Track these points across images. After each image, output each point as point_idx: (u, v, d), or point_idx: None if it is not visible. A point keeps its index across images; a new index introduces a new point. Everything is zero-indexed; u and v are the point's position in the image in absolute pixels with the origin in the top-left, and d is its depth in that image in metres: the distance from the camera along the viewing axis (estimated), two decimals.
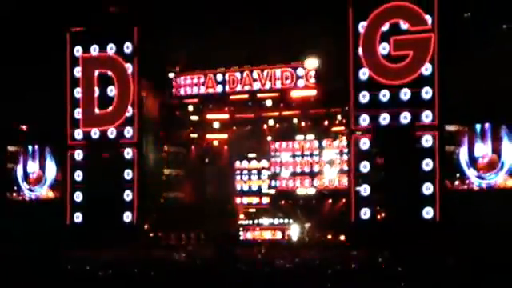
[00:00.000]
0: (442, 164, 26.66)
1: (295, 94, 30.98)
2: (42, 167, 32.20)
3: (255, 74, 30.95)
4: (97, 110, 30.80)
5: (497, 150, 26.58)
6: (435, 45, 26.57)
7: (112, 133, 30.65)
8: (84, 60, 31.01)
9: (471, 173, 26.79)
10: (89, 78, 30.87)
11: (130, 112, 30.44)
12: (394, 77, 27.13)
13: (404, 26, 27.01)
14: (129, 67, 30.56)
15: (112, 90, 30.60)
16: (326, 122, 33.62)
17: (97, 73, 30.78)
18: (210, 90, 31.56)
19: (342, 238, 29.85)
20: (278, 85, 30.77)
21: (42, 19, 30.83)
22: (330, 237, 31.07)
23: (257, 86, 30.93)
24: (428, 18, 26.68)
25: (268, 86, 30.89)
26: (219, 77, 31.42)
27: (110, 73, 30.53)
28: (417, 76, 26.80)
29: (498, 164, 26.53)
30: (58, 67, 31.07)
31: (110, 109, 30.63)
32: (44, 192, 32.10)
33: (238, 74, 31.25)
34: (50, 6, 30.68)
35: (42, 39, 30.62)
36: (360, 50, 27.56)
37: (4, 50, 31.19)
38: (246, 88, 31.15)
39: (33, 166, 32.29)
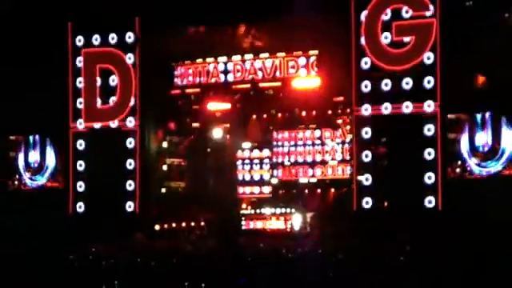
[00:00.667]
0: (444, 153, 26.69)
1: (297, 83, 30.89)
2: (43, 156, 32.27)
3: (259, 63, 30.84)
4: (99, 105, 30.88)
5: (497, 138, 26.60)
6: (437, 30, 26.58)
7: (114, 122, 30.72)
8: (85, 54, 31.04)
9: (472, 161, 26.80)
10: (90, 73, 30.93)
11: (132, 102, 30.52)
12: (396, 62, 27.14)
13: (406, 11, 26.99)
14: (130, 57, 30.62)
15: (114, 80, 30.66)
16: (329, 112, 33.59)
17: (98, 67, 30.86)
18: (213, 80, 31.47)
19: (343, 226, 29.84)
20: (283, 74, 30.66)
21: (43, 10, 30.84)
22: (331, 226, 31.06)
23: (261, 75, 30.84)
24: (431, 7, 26.70)
25: (272, 75, 30.78)
26: (222, 66, 31.33)
27: (111, 68, 30.64)
28: (419, 62, 26.80)
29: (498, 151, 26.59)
30: (60, 58, 31.11)
31: (112, 104, 30.69)
32: (45, 181, 32.18)
33: (241, 64, 31.14)
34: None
35: (43, 30, 30.64)
36: (362, 39, 27.58)
37: (5, 42, 31.22)
38: (250, 77, 31.00)
39: (34, 156, 32.36)
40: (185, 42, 31.32)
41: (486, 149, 26.72)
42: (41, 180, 32.32)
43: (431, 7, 26.66)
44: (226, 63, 31.24)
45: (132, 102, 30.52)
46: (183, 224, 32.84)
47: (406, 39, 27.02)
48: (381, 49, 27.33)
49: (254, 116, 35.37)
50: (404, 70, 27.06)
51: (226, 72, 31.23)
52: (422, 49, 26.80)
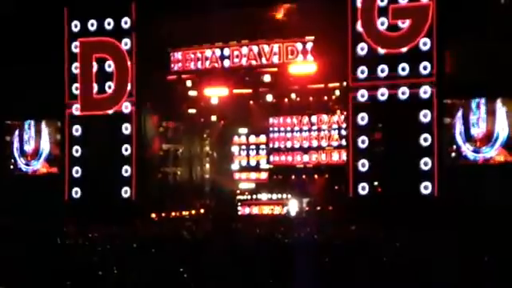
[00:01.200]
0: (440, 139, 26.70)
1: (294, 69, 30.87)
2: (38, 142, 32.23)
3: (256, 49, 30.72)
4: (95, 94, 30.79)
5: (491, 123, 26.63)
6: (434, 14, 26.53)
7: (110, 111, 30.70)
8: (81, 44, 30.92)
9: (467, 147, 26.83)
10: (86, 62, 30.82)
11: (128, 90, 30.41)
12: (392, 45, 27.06)
13: None
14: (127, 42, 30.53)
15: (110, 66, 30.57)
16: (325, 98, 33.60)
17: (94, 56, 30.75)
18: (209, 65, 31.39)
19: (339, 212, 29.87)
20: (281, 60, 30.58)
21: None
22: (327, 211, 31.12)
23: (258, 61, 30.72)
24: None
25: (270, 61, 30.68)
26: (219, 52, 31.22)
27: (108, 57, 30.55)
28: (416, 45, 26.74)
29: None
30: (56, 43, 31.04)
31: (108, 94, 30.61)
32: (40, 166, 32.15)
33: (239, 49, 31.02)
34: None
35: (39, 14, 30.57)
36: (359, 24, 27.52)
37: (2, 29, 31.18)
38: (252, 63, 30.85)
39: (29, 141, 32.31)
40: (181, 28, 31.26)
41: (481, 134, 26.76)
42: (36, 165, 32.30)
43: None
44: (222, 49, 31.18)
45: (128, 91, 30.44)
46: (180, 209, 32.85)
47: (403, 22, 26.96)
48: (377, 32, 27.25)
49: (251, 102, 35.36)
50: (401, 53, 27.00)
51: (223, 58, 31.15)
52: (418, 32, 26.77)
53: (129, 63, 30.41)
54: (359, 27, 27.48)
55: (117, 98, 30.55)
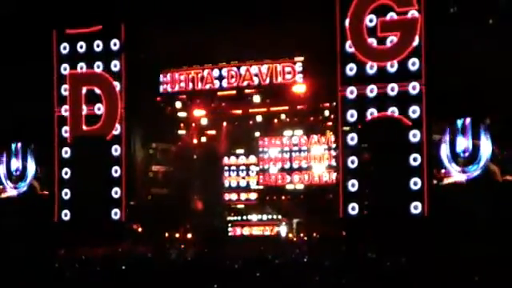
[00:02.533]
0: (429, 159, 26.71)
1: (284, 89, 30.92)
2: (24, 165, 32.09)
3: (255, 69, 30.72)
4: (84, 126, 30.73)
5: (476, 143, 26.71)
6: (422, 28, 26.60)
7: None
8: (71, 76, 30.87)
9: (453, 167, 26.86)
10: (76, 95, 30.77)
11: (117, 125, 30.34)
12: (382, 58, 27.08)
13: (391, 8, 27.06)
14: (116, 64, 30.49)
15: (98, 94, 30.55)
16: (314, 118, 33.65)
17: (84, 89, 30.71)
18: (200, 87, 31.40)
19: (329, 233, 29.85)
20: (271, 80, 30.62)
21: (28, 18, 30.80)
22: (316, 233, 31.09)
23: (257, 81, 30.76)
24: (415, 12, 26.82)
25: (259, 81, 30.74)
26: (211, 72, 31.24)
27: (97, 89, 30.53)
28: (405, 57, 26.78)
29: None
30: (45, 66, 31.00)
31: (98, 126, 30.53)
32: (27, 190, 31.97)
33: (229, 70, 31.06)
34: (36, 5, 30.66)
35: (29, 38, 30.55)
36: (348, 43, 27.56)
37: None
38: (244, 83, 30.90)
39: (16, 164, 32.13)
40: (170, 49, 31.32)
41: (467, 154, 26.78)
42: (23, 187, 32.11)
43: (415, 12, 26.76)
44: (213, 70, 31.23)
45: (117, 123, 30.35)
46: (170, 230, 32.78)
47: (391, 36, 26.99)
48: (366, 46, 27.23)
49: (242, 123, 35.39)
50: (390, 68, 26.98)
51: (215, 78, 31.16)
52: (407, 44, 26.78)
53: (118, 89, 30.30)
54: (348, 47, 27.52)
55: (105, 131, 30.42)
